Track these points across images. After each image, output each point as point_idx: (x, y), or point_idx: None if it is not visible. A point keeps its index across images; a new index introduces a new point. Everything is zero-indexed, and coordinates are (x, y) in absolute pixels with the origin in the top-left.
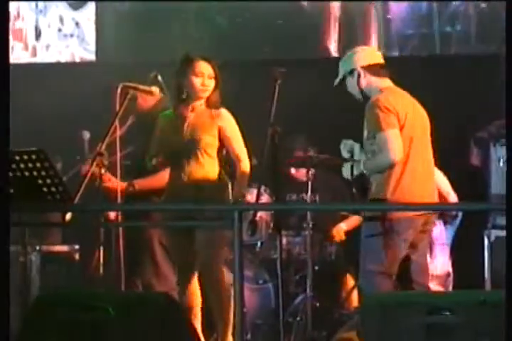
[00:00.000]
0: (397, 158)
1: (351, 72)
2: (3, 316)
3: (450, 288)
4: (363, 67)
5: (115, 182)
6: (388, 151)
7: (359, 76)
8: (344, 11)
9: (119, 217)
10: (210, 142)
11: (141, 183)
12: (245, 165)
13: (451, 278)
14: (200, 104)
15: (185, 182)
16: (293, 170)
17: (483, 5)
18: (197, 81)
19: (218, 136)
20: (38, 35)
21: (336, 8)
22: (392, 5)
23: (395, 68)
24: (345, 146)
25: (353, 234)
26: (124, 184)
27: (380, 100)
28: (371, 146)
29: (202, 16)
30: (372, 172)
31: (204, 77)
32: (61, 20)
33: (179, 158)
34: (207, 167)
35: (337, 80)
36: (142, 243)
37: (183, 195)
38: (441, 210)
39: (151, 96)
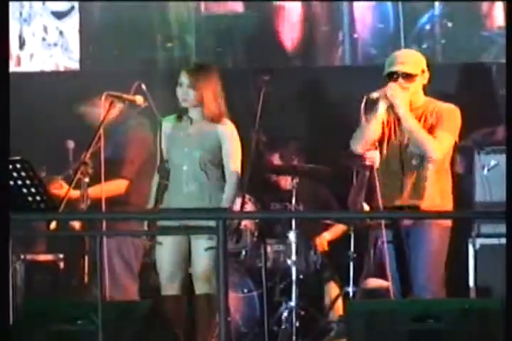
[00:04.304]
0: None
1: (423, 72)
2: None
3: None
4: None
5: (66, 190)
6: (440, 148)
7: (425, 79)
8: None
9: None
10: (209, 152)
11: (94, 192)
12: (234, 183)
13: None
14: (198, 116)
15: (184, 193)
16: (275, 177)
17: (450, 24)
18: (177, 91)
19: (220, 148)
20: (22, 44)
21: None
22: (358, 24)
23: (374, 77)
24: None
25: (338, 242)
26: (77, 193)
27: (459, 111)
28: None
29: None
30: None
31: (183, 87)
32: (45, 29)
33: (180, 165)
34: (208, 177)
35: (408, 69)
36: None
37: (181, 204)
38: (438, 218)
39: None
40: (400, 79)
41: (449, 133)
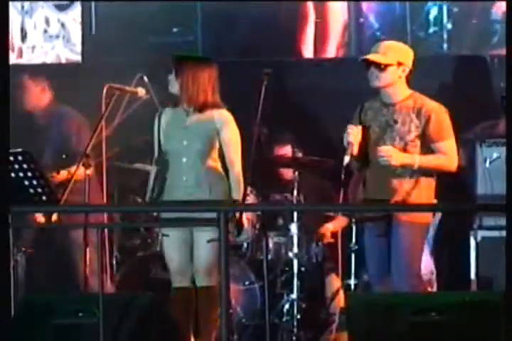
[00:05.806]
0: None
1: (400, 64)
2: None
3: (434, 286)
4: (409, 68)
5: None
6: (455, 159)
7: (403, 71)
8: (318, 11)
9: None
10: (208, 143)
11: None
12: (237, 172)
13: (434, 277)
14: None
15: (183, 182)
16: (278, 169)
17: (456, 9)
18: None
19: (218, 138)
20: (23, 36)
21: (310, 8)
22: (365, 9)
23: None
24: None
25: (340, 234)
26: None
27: (445, 109)
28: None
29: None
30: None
31: (172, 74)
32: (47, 21)
33: (179, 157)
34: (207, 168)
35: (377, 58)
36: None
37: (180, 196)
38: (437, 211)
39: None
40: (372, 68)
41: (449, 139)
